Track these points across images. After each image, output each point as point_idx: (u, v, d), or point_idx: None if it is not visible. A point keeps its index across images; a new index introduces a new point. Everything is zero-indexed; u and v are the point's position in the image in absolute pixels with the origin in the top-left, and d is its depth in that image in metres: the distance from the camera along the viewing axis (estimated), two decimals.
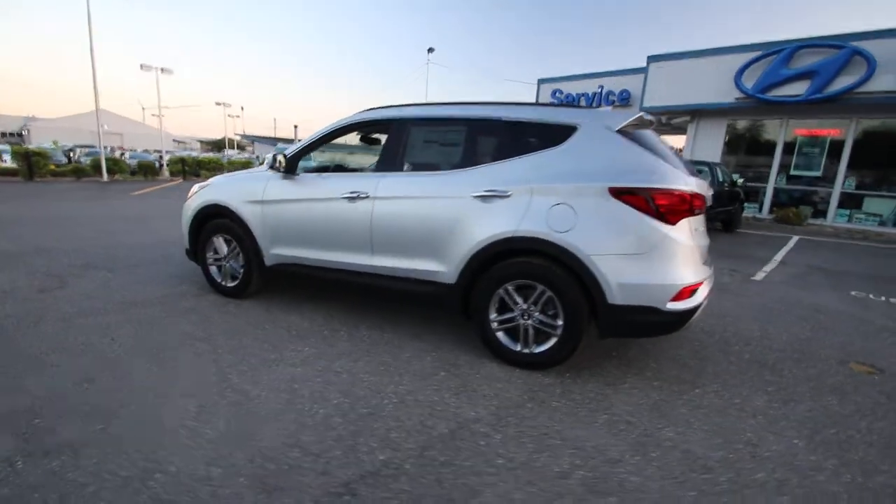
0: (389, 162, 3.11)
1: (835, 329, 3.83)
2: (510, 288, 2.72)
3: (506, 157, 2.76)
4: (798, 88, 11.09)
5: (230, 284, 3.82)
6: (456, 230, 2.80)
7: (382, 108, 3.31)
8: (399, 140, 3.11)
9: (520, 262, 2.66)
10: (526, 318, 2.72)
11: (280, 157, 3.38)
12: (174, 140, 70.46)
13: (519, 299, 2.72)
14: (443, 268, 2.89)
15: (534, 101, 16.64)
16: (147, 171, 17.97)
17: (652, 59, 13.70)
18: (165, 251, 5.51)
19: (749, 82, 11.79)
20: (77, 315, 3.28)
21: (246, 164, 23.31)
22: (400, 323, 3.47)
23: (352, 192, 3.12)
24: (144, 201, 11.07)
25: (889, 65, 10.02)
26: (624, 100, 15.51)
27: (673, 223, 2.44)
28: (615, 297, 2.46)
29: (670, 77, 13.33)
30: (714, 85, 12.42)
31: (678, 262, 2.46)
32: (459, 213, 2.79)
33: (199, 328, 3.17)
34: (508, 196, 2.67)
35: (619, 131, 2.59)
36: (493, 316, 2.80)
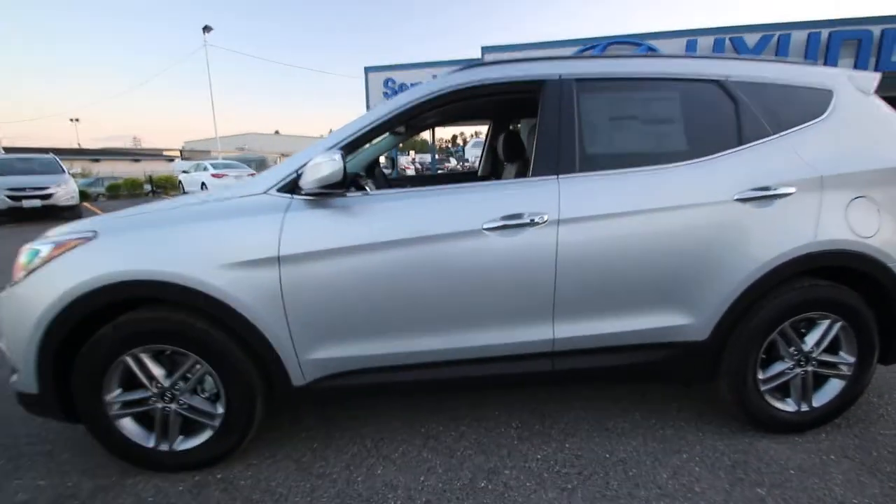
0: (551, 156, 1.78)
1: None
2: (787, 328, 1.85)
3: (754, 137, 1.81)
4: None
5: (185, 445, 1.80)
6: (712, 257, 1.75)
7: (517, 62, 1.88)
8: (564, 117, 1.79)
9: (807, 287, 1.81)
10: (803, 364, 1.90)
11: (320, 163, 1.60)
12: None
13: (798, 340, 1.87)
14: (686, 318, 1.81)
15: (364, 92, 15.09)
16: None
17: (486, 49, 13.96)
18: None
19: None
20: None
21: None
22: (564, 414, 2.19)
23: (507, 218, 1.68)
24: None
25: None
26: None
27: None
28: None
29: None
30: None
31: None
32: (715, 228, 1.74)
33: None
34: (790, 193, 1.75)
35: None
36: (760, 375, 1.89)
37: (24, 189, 10.22)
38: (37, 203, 10.30)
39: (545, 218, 1.68)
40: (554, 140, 1.78)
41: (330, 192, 1.66)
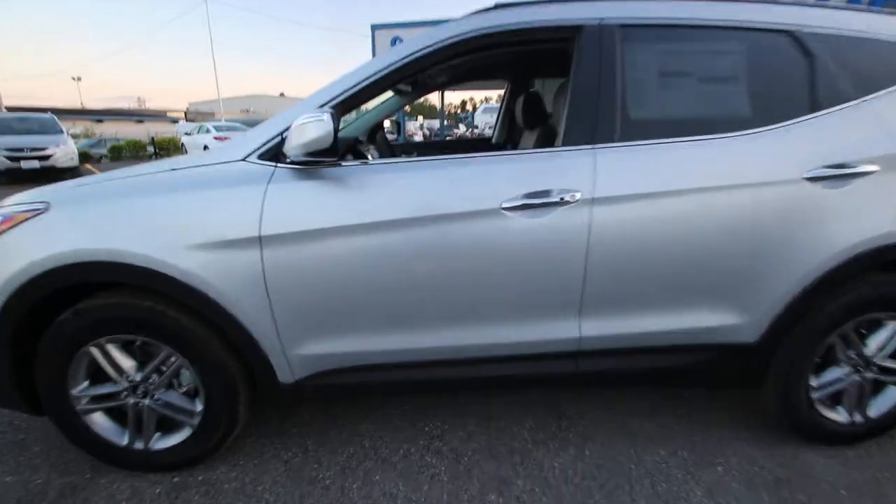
0: (586, 122, 1.48)
1: None
2: (848, 329, 1.59)
3: (830, 102, 1.50)
4: None
5: (163, 444, 1.62)
6: (772, 246, 1.47)
7: (547, 3, 1.54)
8: (604, 73, 1.48)
9: (880, 282, 1.54)
10: (862, 370, 1.65)
11: (306, 124, 1.31)
12: None
13: (860, 343, 1.62)
14: (735, 317, 1.55)
15: (371, 52, 14.06)
16: None
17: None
18: None
19: None
20: None
21: None
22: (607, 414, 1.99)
23: (531, 196, 1.41)
24: None
25: None
26: None
27: None
28: None
29: None
30: None
31: None
32: (780, 212, 1.45)
33: None
34: (871, 172, 1.46)
35: None
36: (812, 381, 1.65)
37: (22, 149, 9.96)
38: (35, 164, 10.05)
39: (577, 196, 1.41)
40: (591, 101, 1.48)
41: (319, 161, 1.39)
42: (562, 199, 1.40)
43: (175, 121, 41.24)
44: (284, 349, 1.50)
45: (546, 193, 1.41)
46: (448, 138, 20.52)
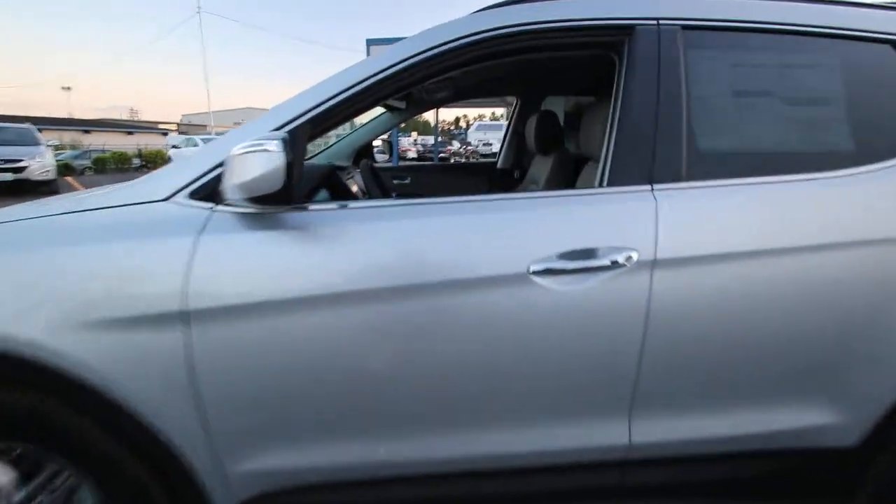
0: (640, 153, 1.09)
1: None
2: None
3: None
4: None
5: None
6: (884, 322, 1.09)
7: None
8: (664, 88, 1.10)
9: None
10: None
11: (246, 158, 0.88)
12: None
13: None
14: (829, 415, 1.16)
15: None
16: None
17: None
18: None
19: None
20: None
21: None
22: None
23: (569, 257, 1.01)
24: None
25: None
26: None
27: None
28: None
29: None
30: None
31: None
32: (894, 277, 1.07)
33: None
34: None
35: None
36: None
37: None
38: (8, 176, 9.56)
39: (633, 257, 1.01)
40: (646, 127, 1.09)
41: (262, 212, 0.98)
42: (613, 261, 1.00)
43: (165, 133, 40.85)
44: (221, 463, 1.07)
45: (590, 253, 1.02)
46: (442, 155, 20.32)
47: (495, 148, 24.24)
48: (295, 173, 0.93)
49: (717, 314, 1.06)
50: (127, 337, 0.97)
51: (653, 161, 1.08)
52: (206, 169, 1.06)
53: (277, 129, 1.03)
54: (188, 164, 1.09)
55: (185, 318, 0.97)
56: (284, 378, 1.03)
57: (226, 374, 1.01)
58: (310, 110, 1.07)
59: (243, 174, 0.89)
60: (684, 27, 1.14)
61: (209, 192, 1.04)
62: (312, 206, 1.06)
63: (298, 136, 1.01)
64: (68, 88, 58.84)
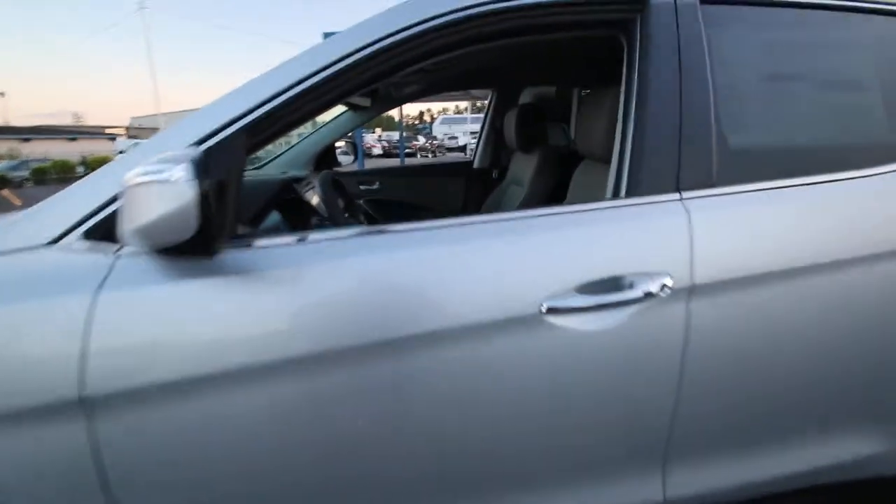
0: (664, 154, 0.89)
1: None
2: None
3: None
4: None
5: None
6: None
7: None
8: (687, 73, 0.90)
9: None
10: None
11: (141, 193, 0.62)
12: None
13: None
14: (879, 442, 1.01)
15: None
16: None
17: None
18: None
19: None
20: None
21: None
22: None
23: (590, 289, 0.80)
24: None
25: None
26: None
27: None
28: None
29: None
30: None
31: None
32: None
33: None
34: None
35: None
36: None
37: None
38: None
39: (666, 285, 0.82)
40: (669, 121, 0.89)
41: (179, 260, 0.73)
42: (645, 292, 0.80)
43: (113, 138, 38.53)
44: None
45: (615, 283, 0.81)
46: (408, 150, 19.87)
47: (461, 141, 24.00)
48: (219, 210, 0.66)
49: (765, 344, 0.88)
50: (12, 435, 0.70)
51: (679, 163, 0.88)
52: (106, 199, 0.78)
53: (199, 142, 0.77)
54: (81, 191, 0.81)
55: (85, 405, 0.71)
56: (220, 466, 0.79)
57: (142, 475, 0.75)
58: (246, 114, 0.81)
59: (139, 215, 0.63)
60: (703, 0, 0.94)
61: (111, 228, 0.77)
62: (259, 242, 0.81)
63: (228, 153, 0.75)
64: (2, 94, 54.48)
